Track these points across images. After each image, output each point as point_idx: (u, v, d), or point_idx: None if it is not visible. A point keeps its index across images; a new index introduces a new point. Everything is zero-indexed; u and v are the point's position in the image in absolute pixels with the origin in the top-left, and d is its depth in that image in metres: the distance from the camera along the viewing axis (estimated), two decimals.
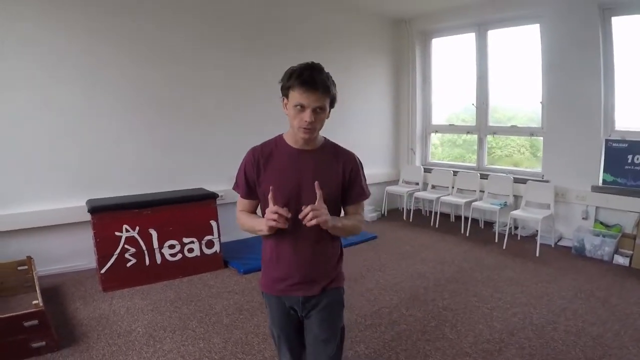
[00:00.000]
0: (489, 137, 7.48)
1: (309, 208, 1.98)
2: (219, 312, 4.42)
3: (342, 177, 2.22)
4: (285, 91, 2.09)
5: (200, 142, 6.24)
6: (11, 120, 4.97)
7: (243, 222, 2.31)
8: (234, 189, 2.35)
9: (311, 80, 1.99)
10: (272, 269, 2.29)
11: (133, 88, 5.66)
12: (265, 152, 2.23)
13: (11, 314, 3.62)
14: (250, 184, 2.25)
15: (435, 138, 8.58)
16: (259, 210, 2.34)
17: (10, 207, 5.04)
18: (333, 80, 2.11)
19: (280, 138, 2.26)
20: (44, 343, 3.68)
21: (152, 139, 5.85)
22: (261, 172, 2.20)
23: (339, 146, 2.31)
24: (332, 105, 2.14)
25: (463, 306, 4.44)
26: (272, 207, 2.04)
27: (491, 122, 7.41)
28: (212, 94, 6.28)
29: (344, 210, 2.31)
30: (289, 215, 2.02)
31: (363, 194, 2.29)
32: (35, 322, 3.63)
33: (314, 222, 1.98)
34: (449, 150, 8.37)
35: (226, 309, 4.49)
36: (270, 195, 2.07)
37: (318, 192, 2.04)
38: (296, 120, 2.07)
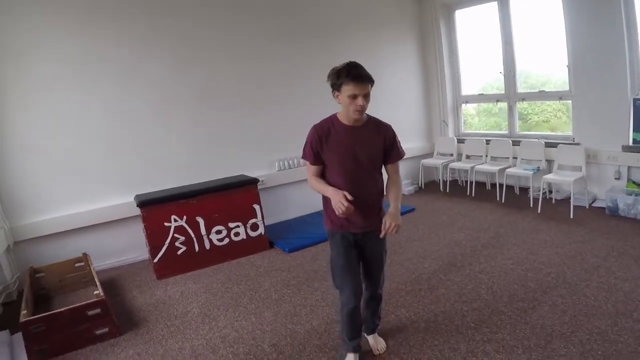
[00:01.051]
0: (525, 104, 7.49)
1: (391, 225, 2.81)
2: (267, 289, 4.71)
3: (384, 143, 2.95)
4: (337, 87, 2.73)
5: (239, 132, 6.49)
6: (56, 124, 5.30)
7: (315, 185, 2.98)
8: (302, 158, 2.99)
9: (359, 76, 2.65)
10: (336, 213, 2.83)
11: (172, 84, 5.92)
12: (325, 128, 2.89)
13: (75, 305, 3.92)
14: (316, 154, 2.90)
15: (471, 108, 8.62)
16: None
17: (65, 209, 5.41)
18: (370, 75, 2.73)
19: (335, 117, 2.92)
20: (107, 330, 3.97)
21: (192, 131, 6.13)
22: (324, 144, 2.87)
23: (379, 120, 3.01)
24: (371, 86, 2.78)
25: (499, 269, 4.60)
26: (345, 198, 2.71)
27: (524, 89, 7.41)
28: (249, 85, 6.51)
29: (385, 168, 3.07)
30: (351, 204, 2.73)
31: (399, 154, 3.05)
32: (98, 310, 3.93)
33: (396, 231, 2.83)
34: (485, 119, 8.38)
35: (274, 285, 4.78)
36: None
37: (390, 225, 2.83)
38: (352, 106, 2.72)
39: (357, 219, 2.93)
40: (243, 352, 3.59)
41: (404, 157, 3.16)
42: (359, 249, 3.08)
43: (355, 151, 2.86)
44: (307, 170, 3.03)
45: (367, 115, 2.94)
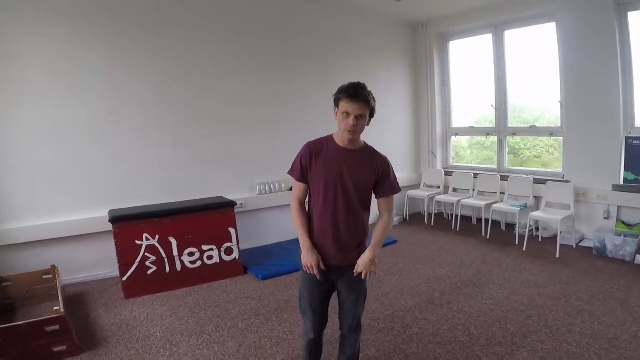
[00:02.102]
0: (517, 139, 7.43)
1: (361, 273, 2.75)
2: (235, 317, 4.51)
3: (375, 174, 2.78)
4: (336, 102, 2.69)
5: (221, 153, 6.35)
6: (36, 134, 5.14)
7: (295, 219, 2.87)
8: (289, 173, 2.88)
9: (355, 94, 2.59)
10: (314, 241, 2.79)
11: (154, 102, 5.81)
12: (318, 146, 2.79)
13: (33, 320, 3.75)
14: (304, 170, 2.79)
15: (463, 141, 8.55)
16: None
17: (37, 219, 5.22)
18: (374, 96, 2.68)
19: (330, 137, 2.82)
20: (65, 347, 3.80)
21: (173, 150, 5.99)
22: (313, 161, 2.76)
23: (376, 150, 2.86)
24: (371, 115, 2.72)
25: (478, 309, 4.43)
26: (315, 263, 2.73)
27: (518, 123, 7.36)
28: (234, 107, 6.39)
29: (377, 203, 2.87)
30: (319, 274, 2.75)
31: (392, 189, 2.85)
32: (57, 327, 3.76)
33: (369, 275, 2.77)
34: (477, 152, 8.30)
35: (243, 314, 4.58)
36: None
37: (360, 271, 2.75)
38: (343, 124, 2.65)
39: (332, 251, 2.78)
40: None
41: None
42: (332, 283, 2.89)
43: (343, 175, 2.72)
44: (293, 190, 2.91)
45: (365, 142, 2.86)
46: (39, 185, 5.22)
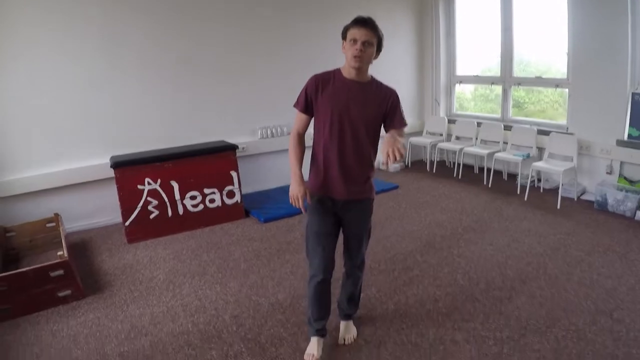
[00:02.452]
0: (522, 92, 7.34)
1: (390, 153, 2.39)
2: (237, 258, 4.60)
3: (384, 106, 2.77)
4: (344, 33, 2.67)
5: (222, 98, 6.33)
6: (35, 83, 5.13)
7: (290, 151, 2.83)
8: (294, 106, 2.85)
9: (362, 21, 2.59)
10: (320, 174, 2.82)
11: (154, 47, 5.76)
12: (325, 78, 2.76)
13: (38, 266, 3.83)
14: (309, 102, 2.77)
15: (467, 92, 8.46)
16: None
17: (39, 168, 5.27)
18: (381, 30, 2.67)
19: (337, 70, 2.78)
20: (69, 292, 3.90)
21: (174, 95, 5.97)
22: (319, 93, 2.73)
23: (383, 84, 2.84)
24: (379, 48, 2.71)
25: (478, 254, 4.48)
26: (301, 195, 2.72)
27: (522, 75, 7.27)
28: (233, 51, 6.32)
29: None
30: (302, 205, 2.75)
31: (401, 122, 2.81)
32: (61, 272, 3.84)
33: (398, 156, 2.39)
34: (481, 105, 8.20)
35: (244, 255, 4.67)
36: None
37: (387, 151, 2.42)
38: (350, 51, 2.61)
39: (338, 184, 2.79)
40: (203, 322, 3.49)
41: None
42: (339, 219, 2.91)
43: (349, 108, 2.70)
44: (295, 119, 2.87)
45: (372, 76, 2.82)
46: (39, 135, 5.25)
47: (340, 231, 2.97)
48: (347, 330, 3.20)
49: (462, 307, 3.55)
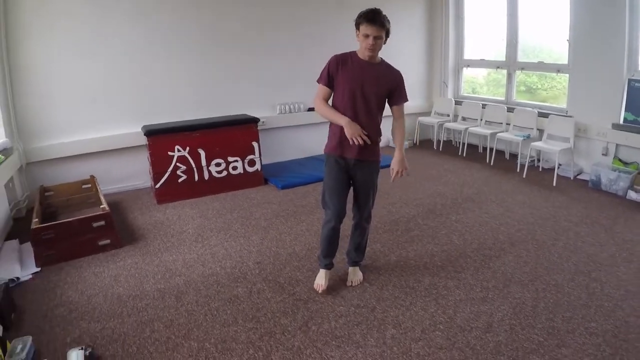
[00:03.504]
0: (534, 78, 7.64)
1: (398, 172, 3.40)
2: (258, 217, 5.10)
3: (391, 84, 3.33)
4: (357, 25, 3.16)
5: (245, 73, 6.76)
6: (74, 56, 5.58)
7: (324, 111, 3.37)
8: (317, 81, 3.38)
9: (372, 19, 3.06)
10: (337, 137, 3.34)
11: (185, 25, 6.19)
12: (343, 58, 3.29)
13: (82, 216, 4.33)
14: (330, 76, 3.30)
15: (480, 77, 8.75)
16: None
17: (76, 134, 5.75)
18: (388, 20, 3.13)
19: (354, 52, 3.30)
20: (109, 241, 4.38)
21: (201, 70, 6.43)
22: (339, 70, 3.27)
23: (391, 65, 3.39)
24: (387, 36, 3.19)
25: (474, 220, 4.93)
26: (359, 132, 3.20)
27: (526, 59, 7.57)
28: (258, 29, 6.75)
29: (391, 110, 3.45)
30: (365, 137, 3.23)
31: (404, 97, 3.41)
32: (102, 222, 4.32)
33: (402, 175, 3.42)
34: (493, 89, 8.46)
35: (264, 215, 5.17)
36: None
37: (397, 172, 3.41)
38: (364, 44, 3.15)
39: (352, 145, 3.26)
40: (229, 267, 3.99)
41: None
42: (351, 176, 3.44)
43: (364, 83, 3.23)
44: (317, 94, 3.40)
45: (382, 58, 3.35)
46: (77, 104, 5.70)
47: (351, 189, 3.51)
48: (355, 274, 3.72)
49: (456, 261, 4.03)
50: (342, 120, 3.22)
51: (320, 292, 3.52)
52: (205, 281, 3.76)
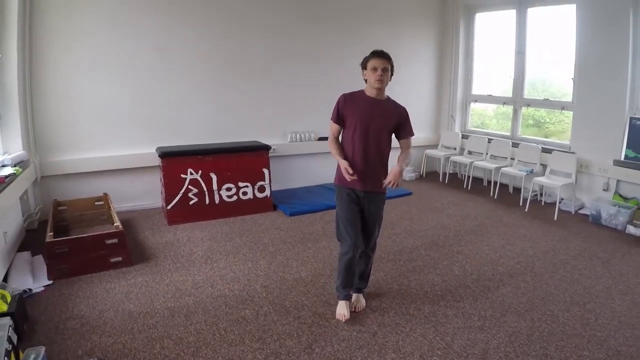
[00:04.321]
0: (543, 112, 7.82)
1: (391, 182, 3.44)
2: (266, 243, 5.25)
3: (397, 120, 3.56)
4: (363, 64, 3.48)
5: (259, 101, 6.99)
6: (95, 75, 5.80)
7: (329, 145, 3.65)
8: (330, 119, 3.62)
9: (380, 53, 3.41)
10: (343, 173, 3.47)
11: (199, 54, 6.44)
12: (352, 96, 3.56)
13: (96, 233, 4.49)
14: (340, 114, 3.56)
15: (490, 110, 8.93)
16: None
17: (92, 151, 5.94)
18: (392, 59, 3.45)
19: (361, 91, 3.56)
20: (120, 259, 4.52)
21: (218, 96, 6.66)
22: (348, 107, 3.53)
23: (397, 102, 3.64)
24: (392, 72, 3.48)
25: (475, 252, 5.07)
26: (348, 168, 3.39)
27: (531, 96, 7.76)
28: (274, 60, 7.00)
29: (399, 143, 3.66)
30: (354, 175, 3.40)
31: (411, 132, 3.67)
32: (115, 240, 4.48)
33: (394, 185, 3.47)
34: (502, 123, 8.61)
35: (272, 240, 5.32)
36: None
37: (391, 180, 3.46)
38: (372, 77, 3.40)
39: (362, 176, 3.46)
40: (237, 289, 4.14)
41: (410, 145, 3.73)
42: (361, 208, 3.61)
43: (372, 118, 3.46)
44: (329, 130, 3.67)
45: (388, 96, 3.59)
46: (94, 123, 5.89)
47: None
48: (358, 301, 3.85)
49: (455, 291, 4.17)
50: (337, 158, 3.53)
51: (344, 321, 3.61)
52: (214, 302, 3.90)
